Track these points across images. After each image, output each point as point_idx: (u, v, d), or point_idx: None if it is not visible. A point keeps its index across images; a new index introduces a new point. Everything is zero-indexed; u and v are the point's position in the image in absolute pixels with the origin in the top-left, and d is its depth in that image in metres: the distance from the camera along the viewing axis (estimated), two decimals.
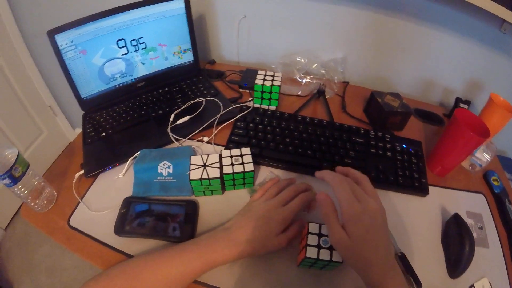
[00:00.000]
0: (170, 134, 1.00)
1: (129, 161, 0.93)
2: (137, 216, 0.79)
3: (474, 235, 0.79)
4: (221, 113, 1.08)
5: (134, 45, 1.13)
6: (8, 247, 2.21)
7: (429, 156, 1.00)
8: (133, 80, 1.19)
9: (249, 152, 0.84)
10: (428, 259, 0.78)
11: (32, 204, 0.81)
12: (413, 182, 0.91)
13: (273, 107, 1.12)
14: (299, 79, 1.31)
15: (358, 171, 0.69)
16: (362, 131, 1.03)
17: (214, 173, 0.79)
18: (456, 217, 0.81)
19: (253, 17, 1.37)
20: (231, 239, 0.68)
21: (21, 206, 0.91)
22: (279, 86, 1.04)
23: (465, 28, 1.13)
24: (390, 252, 0.59)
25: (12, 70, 2.07)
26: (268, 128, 1.02)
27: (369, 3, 1.18)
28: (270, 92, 1.06)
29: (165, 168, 0.89)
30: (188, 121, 1.05)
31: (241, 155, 0.84)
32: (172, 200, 0.84)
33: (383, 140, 1.01)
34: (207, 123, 1.04)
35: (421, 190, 0.90)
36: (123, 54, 1.12)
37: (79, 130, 2.48)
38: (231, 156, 0.83)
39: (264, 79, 1.05)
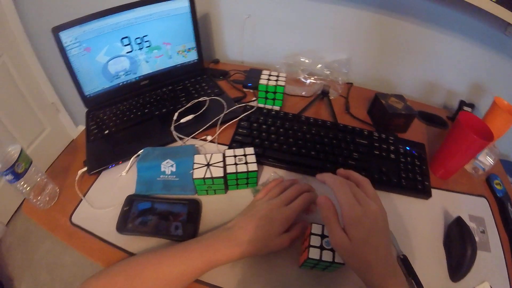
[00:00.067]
0: (174, 132, 1.00)
1: (132, 159, 0.93)
2: (140, 214, 0.79)
3: (476, 238, 0.78)
4: (224, 112, 1.08)
5: (139, 43, 1.13)
6: (9, 243, 2.21)
7: (432, 158, 1.00)
8: (137, 78, 1.19)
9: (253, 152, 0.84)
10: (430, 262, 0.78)
11: (34, 200, 0.81)
12: (416, 184, 0.91)
13: (277, 107, 1.12)
14: (303, 80, 1.31)
15: (359, 174, 0.69)
16: (366, 132, 1.02)
17: (218, 172, 0.78)
18: (459, 220, 0.81)
19: (258, 17, 1.37)
20: (233, 238, 0.68)
21: (23, 202, 0.92)
22: (284, 86, 1.04)
23: (470, 31, 1.12)
24: (391, 254, 0.58)
25: (16, 66, 2.08)
26: (272, 128, 1.02)
27: (374, 5, 1.18)
28: (275, 92, 1.06)
29: (168, 167, 0.89)
30: (191, 120, 1.06)
31: (245, 155, 0.83)
32: (174, 198, 0.84)
33: (387, 142, 1.01)
34: (211, 122, 1.04)
35: (424, 192, 0.90)
36: (127, 52, 1.12)
37: (81, 128, 2.49)
38: (235, 156, 0.83)
39: (268, 79, 1.05)
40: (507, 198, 0.94)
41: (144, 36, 1.12)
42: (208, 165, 0.80)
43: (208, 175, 0.77)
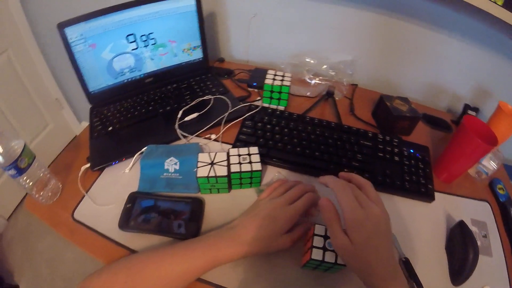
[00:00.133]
0: (178, 130, 1.00)
1: (135, 156, 0.93)
2: (142, 211, 0.79)
3: (478, 243, 0.78)
4: (229, 111, 1.08)
5: (144, 41, 1.13)
6: (10, 238, 2.22)
7: (435, 162, 1.00)
8: (142, 75, 1.19)
9: (257, 152, 0.84)
10: (432, 265, 0.77)
11: (36, 195, 0.81)
12: (419, 187, 0.91)
13: (281, 107, 1.12)
14: (308, 80, 1.31)
15: (361, 177, 0.68)
16: (370, 134, 1.02)
17: (222, 171, 0.78)
18: (461, 224, 0.80)
19: (264, 16, 1.37)
20: (236, 238, 0.68)
21: (24, 197, 0.92)
22: (289, 86, 1.04)
23: (475, 34, 1.12)
24: (393, 257, 0.58)
25: (21, 62, 2.08)
26: (276, 128, 1.02)
27: (381, 6, 1.17)
28: (280, 92, 1.06)
29: (171, 165, 0.89)
30: (196, 118, 1.06)
31: (249, 154, 0.83)
32: (177, 197, 0.84)
33: (391, 144, 1.01)
34: (215, 121, 1.04)
35: (427, 196, 0.90)
36: (132, 49, 1.12)
37: (85, 124, 2.49)
38: (239, 155, 0.83)
39: (274, 79, 1.05)
40: (509, 203, 0.93)
41: (149, 34, 1.12)
42: (212, 163, 0.80)
43: (212, 174, 0.77)
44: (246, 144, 0.97)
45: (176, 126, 1.02)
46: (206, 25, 1.23)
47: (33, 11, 1.97)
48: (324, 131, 1.02)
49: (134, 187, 0.86)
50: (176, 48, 1.21)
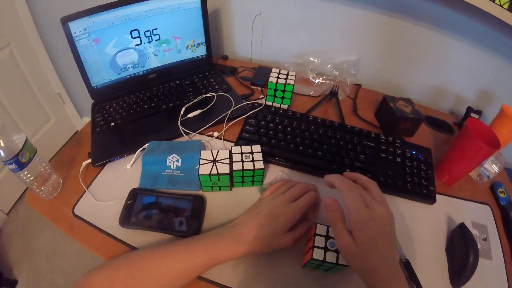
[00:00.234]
0: (180, 127, 1.00)
1: (137, 152, 0.93)
2: (144, 208, 0.79)
3: (478, 246, 0.78)
4: (232, 109, 1.08)
5: (148, 36, 1.12)
6: (9, 232, 2.22)
7: (437, 164, 1.00)
8: (145, 71, 1.19)
9: (260, 150, 0.84)
10: (432, 267, 0.77)
11: (37, 190, 0.81)
12: (421, 189, 0.91)
13: (285, 106, 1.11)
14: (311, 79, 1.31)
15: (366, 177, 0.68)
16: (373, 135, 1.02)
17: (224, 169, 0.78)
18: (462, 227, 0.80)
19: (268, 14, 1.37)
20: (238, 236, 0.68)
21: (25, 191, 0.92)
22: (293, 85, 1.04)
23: (480, 38, 1.12)
24: (396, 259, 0.58)
25: (23, 56, 2.08)
26: (279, 126, 1.02)
27: (384, 7, 1.17)
28: (283, 91, 1.06)
29: (173, 162, 0.89)
30: (198, 115, 1.05)
31: (252, 153, 0.83)
32: (179, 194, 0.83)
33: (394, 145, 1.01)
34: (218, 118, 1.04)
35: (429, 197, 0.90)
36: (136, 45, 1.12)
37: (86, 119, 2.50)
38: (241, 153, 0.83)
39: (278, 77, 1.04)
40: (510, 207, 0.93)
41: (153, 29, 1.12)
42: (214, 161, 0.79)
43: (214, 172, 0.77)
44: (249, 142, 0.97)
45: (179, 122, 1.02)
46: (210, 22, 1.23)
47: (37, 4, 1.97)
48: (327, 130, 1.02)
49: (136, 184, 0.86)
50: (180, 44, 1.21)
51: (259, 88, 1.25)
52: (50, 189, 0.83)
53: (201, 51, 1.28)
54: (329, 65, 1.32)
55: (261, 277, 0.70)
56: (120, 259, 0.65)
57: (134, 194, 0.81)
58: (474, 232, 0.85)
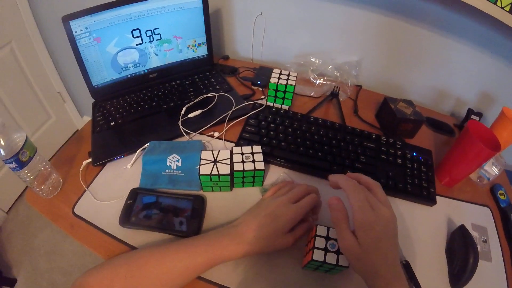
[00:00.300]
0: (181, 127, 1.00)
1: (137, 152, 0.93)
2: (144, 208, 0.78)
3: (478, 248, 0.78)
4: (233, 109, 1.08)
5: (149, 36, 1.12)
6: (9, 230, 2.22)
7: (438, 165, 1.00)
8: (146, 71, 1.19)
9: (260, 151, 0.84)
10: (431, 268, 0.77)
11: (37, 189, 0.81)
12: (421, 191, 0.91)
13: (286, 107, 1.11)
14: (312, 80, 1.31)
15: (370, 178, 0.68)
16: (373, 136, 1.02)
17: (224, 169, 0.78)
18: (462, 228, 0.80)
19: (270, 14, 1.37)
20: (238, 236, 0.68)
21: (25, 189, 0.91)
22: (294, 85, 1.04)
23: (481, 40, 1.12)
24: (398, 261, 0.59)
25: (24, 54, 2.08)
26: (280, 127, 1.02)
27: (386, 8, 1.17)
28: (284, 91, 1.06)
29: (174, 161, 0.89)
30: (199, 115, 1.05)
31: (252, 153, 0.83)
32: (179, 194, 0.83)
33: (394, 146, 1.01)
34: (219, 118, 1.04)
35: (429, 199, 0.90)
36: (137, 44, 1.12)
37: (87, 118, 2.50)
38: (242, 153, 0.83)
39: (279, 78, 1.04)
40: (510, 209, 0.93)
41: (155, 29, 1.12)
42: (215, 161, 0.79)
43: (214, 172, 0.77)
44: (250, 142, 0.97)
45: (179, 122, 1.02)
46: (211, 22, 1.23)
47: (38, 3, 1.97)
48: (328, 131, 1.02)
49: (136, 183, 0.86)
50: (181, 44, 1.21)
51: (260, 89, 1.25)
52: (50, 188, 0.83)
53: (202, 51, 1.28)
54: (330, 66, 1.32)
55: (261, 277, 0.70)
56: (120, 258, 0.65)
57: (134, 194, 0.81)
58: (474, 234, 0.86)
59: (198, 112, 1.05)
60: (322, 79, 1.31)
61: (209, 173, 0.77)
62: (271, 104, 1.12)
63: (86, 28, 1.00)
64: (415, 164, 0.97)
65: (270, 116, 1.05)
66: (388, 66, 1.34)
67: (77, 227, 0.78)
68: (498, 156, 0.99)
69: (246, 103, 1.11)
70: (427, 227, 0.86)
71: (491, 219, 0.92)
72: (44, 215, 0.82)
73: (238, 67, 1.38)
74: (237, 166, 0.80)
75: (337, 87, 1.23)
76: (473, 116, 1.18)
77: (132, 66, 1.15)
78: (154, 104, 1.11)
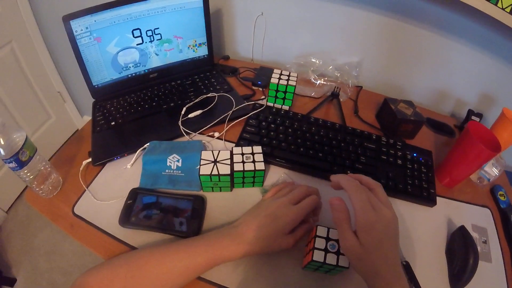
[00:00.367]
0: (181, 127, 1.00)
1: (138, 152, 0.93)
2: (144, 208, 0.78)
3: (478, 248, 0.78)
4: (233, 109, 1.08)
5: (150, 36, 1.12)
6: (9, 230, 2.21)
7: (438, 166, 1.00)
8: (146, 70, 1.19)
9: (261, 151, 0.84)
10: (431, 269, 0.77)
11: (37, 189, 0.81)
12: (421, 191, 0.91)
13: (286, 107, 1.11)
14: (313, 81, 1.31)
15: (371, 178, 0.68)
16: (374, 137, 1.02)
17: (225, 169, 0.78)
18: (462, 229, 0.80)
19: (270, 15, 1.37)
20: (238, 236, 0.68)
21: (24, 189, 0.91)
22: (295, 86, 1.04)
23: (482, 41, 1.12)
24: (398, 261, 0.58)
25: (24, 54, 2.08)
26: (281, 127, 1.02)
27: (387, 9, 1.17)
28: (285, 92, 1.06)
29: (174, 162, 0.89)
30: (199, 115, 1.05)
31: (252, 154, 0.83)
32: (179, 194, 0.83)
33: (394, 147, 1.00)
34: (219, 118, 1.04)
35: (429, 200, 0.90)
36: (137, 44, 1.12)
37: (87, 118, 2.49)
38: (242, 154, 0.83)
39: (279, 78, 1.04)
40: (510, 210, 0.93)
41: (155, 29, 1.12)
42: (215, 161, 0.79)
43: (215, 172, 0.77)
44: (250, 143, 0.97)
45: (180, 122, 1.02)
46: (212, 22, 1.23)
47: (39, 2, 1.97)
48: (328, 132, 1.02)
49: (136, 183, 0.86)
50: (182, 44, 1.21)
51: (261, 89, 1.25)
52: (50, 188, 0.83)
53: (203, 51, 1.28)
54: (331, 67, 1.32)
55: (261, 278, 0.70)
56: (120, 258, 0.65)
57: (134, 194, 0.81)
58: (474, 234, 0.85)
59: (198, 112, 1.05)
60: (322, 79, 1.31)
61: (209, 173, 0.77)
62: (271, 104, 1.12)
63: (87, 28, 1.00)
64: (415, 165, 0.97)
65: (270, 117, 1.05)
66: (389, 67, 1.34)
67: (77, 227, 0.78)
68: (498, 157, 0.99)
69: (247, 104, 1.11)
70: (427, 228, 0.86)
71: (491, 220, 0.92)
72: (44, 215, 0.82)
73: (238, 67, 1.38)
74: (237, 167, 0.80)
75: (337, 87, 1.23)
76: (473, 117, 1.18)
77: (133, 66, 1.15)
78: (154, 104, 1.10)
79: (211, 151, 0.82)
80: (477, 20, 1.07)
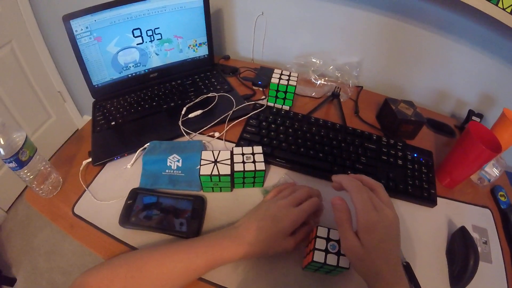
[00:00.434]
0: (181, 127, 1.00)
1: (138, 152, 0.93)
2: (144, 208, 0.78)
3: (478, 249, 0.78)
4: (233, 109, 1.07)
5: (150, 35, 1.12)
6: (9, 229, 2.21)
7: (438, 167, 1.00)
8: (146, 70, 1.19)
9: (261, 151, 0.84)
10: (432, 270, 0.77)
11: (37, 189, 0.81)
12: (422, 192, 0.91)
13: (286, 107, 1.11)
14: (313, 81, 1.31)
15: (372, 179, 0.68)
16: (374, 137, 1.02)
17: (225, 170, 0.78)
18: (463, 230, 0.80)
19: (271, 15, 1.36)
20: (239, 238, 0.67)
21: (24, 189, 0.91)
22: (295, 86, 1.04)
23: (482, 41, 1.12)
24: (399, 262, 0.58)
25: (24, 53, 2.08)
26: (281, 128, 1.02)
27: (387, 9, 1.17)
28: (285, 92, 1.06)
29: (174, 162, 0.89)
30: (199, 115, 1.05)
31: (253, 154, 0.83)
32: (180, 194, 0.83)
33: (395, 147, 1.00)
34: (219, 118, 1.04)
35: (430, 200, 0.90)
36: (138, 44, 1.12)
37: (87, 118, 2.49)
38: (243, 154, 0.83)
39: (280, 78, 1.04)
40: (510, 210, 0.93)
41: (155, 29, 1.12)
42: (215, 162, 0.79)
43: (215, 172, 0.77)
44: (250, 143, 0.97)
45: (180, 122, 1.01)
46: (212, 22, 1.23)
47: (39, 2, 1.97)
48: (329, 132, 1.01)
49: (136, 183, 0.86)
50: (182, 43, 1.21)
51: (261, 89, 1.25)
52: (50, 187, 0.83)
53: (203, 51, 1.28)
54: (331, 67, 1.32)
55: (261, 278, 0.70)
56: (120, 258, 0.65)
57: (134, 194, 0.81)
58: (475, 235, 0.85)
59: (198, 112, 1.05)
60: (323, 79, 1.31)
61: (209, 173, 0.77)
62: (271, 104, 1.12)
63: (87, 28, 1.00)
64: (416, 165, 0.97)
65: (270, 117, 1.04)
66: (389, 67, 1.34)
67: (76, 227, 0.78)
68: (498, 158, 0.99)
69: (247, 104, 1.11)
70: (428, 228, 0.86)
71: (491, 221, 0.92)
72: (44, 214, 0.82)
73: (238, 67, 1.37)
74: (238, 167, 0.79)
75: (338, 87, 1.23)
76: (474, 118, 1.18)
77: (133, 66, 1.15)
78: (154, 104, 1.10)
79: (211, 151, 0.82)
80: (477, 20, 1.07)
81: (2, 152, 0.68)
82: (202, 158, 0.80)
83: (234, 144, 0.98)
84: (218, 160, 0.80)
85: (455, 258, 0.77)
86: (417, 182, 0.92)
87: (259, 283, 0.70)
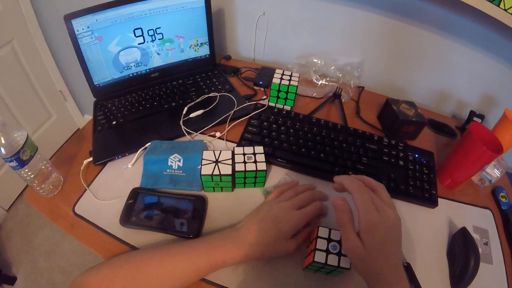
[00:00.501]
0: (182, 127, 1.00)
1: (139, 151, 0.93)
2: (145, 208, 0.78)
3: (479, 250, 0.78)
4: (235, 109, 1.07)
5: (151, 35, 1.12)
6: (9, 229, 2.22)
7: (440, 168, 0.99)
8: (148, 70, 1.19)
9: (262, 151, 0.84)
10: (433, 270, 0.77)
11: (37, 188, 0.81)
12: (423, 193, 0.90)
13: (288, 107, 1.11)
14: (315, 81, 1.30)
15: (374, 179, 0.68)
16: (375, 138, 1.02)
17: (226, 169, 0.78)
18: (464, 231, 0.80)
19: (272, 15, 1.36)
20: (240, 239, 0.67)
21: (25, 188, 0.91)
22: (296, 86, 1.04)
23: (483, 42, 1.11)
24: (400, 263, 0.58)
25: (26, 52, 2.08)
26: (282, 128, 1.01)
27: (389, 10, 1.17)
28: (287, 92, 1.06)
29: (175, 161, 0.89)
30: (201, 115, 1.05)
31: (254, 154, 0.83)
32: (180, 194, 0.83)
33: (396, 148, 1.00)
34: (220, 118, 1.04)
35: (431, 201, 0.90)
36: (139, 43, 1.12)
37: (88, 117, 2.49)
38: (244, 154, 0.82)
39: (281, 78, 1.04)
40: (511, 211, 0.93)
41: (157, 28, 1.12)
42: (216, 161, 0.79)
43: (216, 172, 0.77)
44: (251, 143, 0.97)
45: (181, 122, 1.01)
46: (214, 22, 1.23)
47: (40, 1, 1.97)
48: (330, 132, 1.01)
49: (137, 183, 0.86)
50: (183, 43, 1.21)
51: (262, 89, 1.25)
52: (51, 187, 0.83)
53: (204, 51, 1.28)
54: (333, 67, 1.31)
55: (261, 279, 0.70)
56: (120, 258, 0.65)
57: (135, 194, 0.81)
58: (475, 236, 0.85)
59: (199, 112, 1.05)
60: (324, 80, 1.31)
61: (210, 173, 0.77)
62: (273, 104, 1.12)
63: (88, 27, 1.00)
64: (417, 166, 0.97)
65: (272, 117, 1.04)
66: (390, 68, 1.34)
67: (77, 227, 0.78)
68: (499, 159, 0.99)
69: (248, 104, 1.11)
70: (429, 229, 0.86)
71: (492, 222, 0.92)
72: (44, 214, 0.82)
73: (240, 67, 1.37)
74: (239, 167, 0.79)
75: (339, 88, 1.23)
76: (475, 118, 1.18)
77: (134, 65, 1.15)
78: (155, 103, 1.10)
79: (212, 151, 0.82)
80: (477, 21, 1.06)
81: (3, 151, 0.68)
82: (203, 158, 0.80)
83: (235, 144, 0.98)
84: (219, 160, 0.80)
85: (456, 259, 0.77)
86: (418, 183, 0.92)
87: (260, 283, 0.70)
